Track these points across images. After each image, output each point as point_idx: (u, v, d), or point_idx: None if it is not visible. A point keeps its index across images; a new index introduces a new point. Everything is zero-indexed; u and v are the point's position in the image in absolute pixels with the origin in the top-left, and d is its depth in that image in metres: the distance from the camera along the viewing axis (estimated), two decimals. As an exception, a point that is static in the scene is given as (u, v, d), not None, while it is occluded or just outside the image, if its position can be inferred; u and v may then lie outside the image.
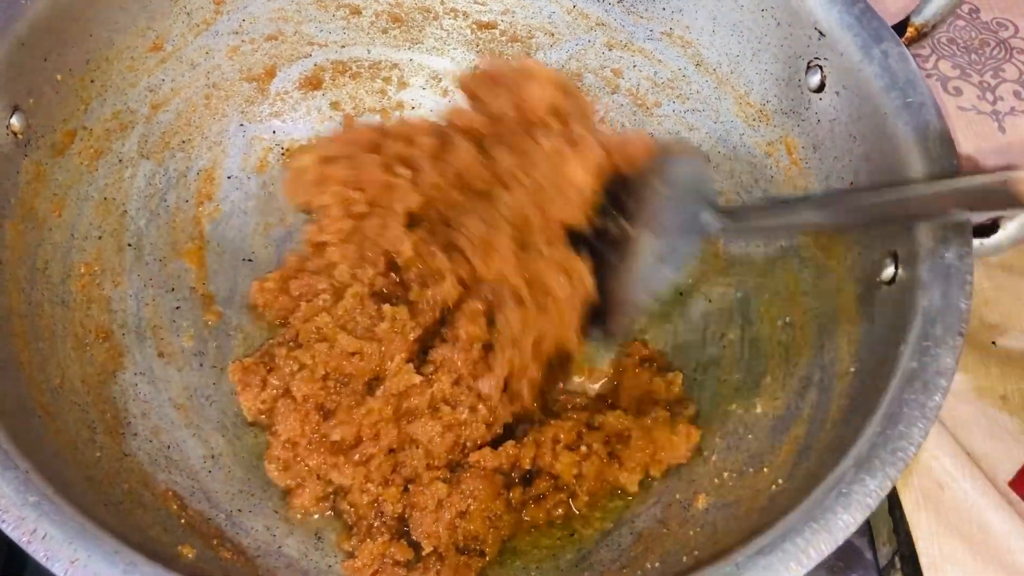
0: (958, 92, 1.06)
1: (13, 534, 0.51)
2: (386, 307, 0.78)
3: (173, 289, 0.83)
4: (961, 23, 1.13)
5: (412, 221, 0.83)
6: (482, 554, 0.72)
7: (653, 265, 0.73)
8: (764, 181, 0.85)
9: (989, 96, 1.05)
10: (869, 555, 0.80)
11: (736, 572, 0.53)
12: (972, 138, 1.02)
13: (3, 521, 0.52)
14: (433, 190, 0.82)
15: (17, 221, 0.72)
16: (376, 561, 0.70)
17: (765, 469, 0.69)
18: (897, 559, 0.78)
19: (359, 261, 0.82)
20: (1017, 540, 0.75)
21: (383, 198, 0.83)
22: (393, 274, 0.83)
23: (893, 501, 0.79)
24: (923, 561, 0.74)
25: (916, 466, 0.78)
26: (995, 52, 1.10)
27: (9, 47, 0.71)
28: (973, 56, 1.10)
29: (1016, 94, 1.06)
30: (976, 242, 0.65)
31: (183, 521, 0.68)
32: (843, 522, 0.54)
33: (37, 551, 0.51)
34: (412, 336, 0.77)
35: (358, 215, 0.83)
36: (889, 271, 0.68)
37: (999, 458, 0.80)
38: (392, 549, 0.70)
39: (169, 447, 0.74)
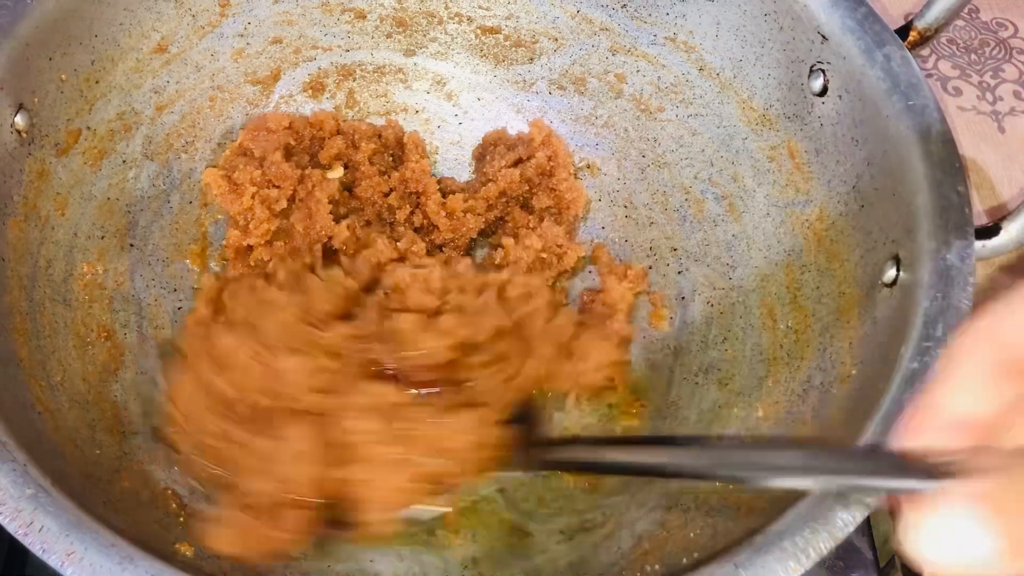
0: (958, 92, 1.06)
1: (10, 526, 0.51)
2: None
3: (176, 289, 0.84)
4: (961, 23, 1.13)
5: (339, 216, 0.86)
6: None
7: None
8: (767, 185, 0.84)
9: (989, 96, 1.05)
10: (870, 555, 0.80)
11: (735, 571, 0.52)
12: (972, 138, 1.01)
13: (0, 514, 0.52)
14: (369, 190, 0.87)
15: (20, 219, 0.72)
16: None
17: (766, 471, 0.68)
18: (897, 559, 0.78)
19: (289, 256, 0.83)
20: None
21: (301, 190, 0.84)
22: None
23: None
24: None
25: None
26: (995, 52, 1.10)
27: (15, 46, 0.71)
28: (973, 56, 1.09)
29: (1016, 94, 1.06)
30: (978, 244, 0.65)
31: (182, 520, 0.68)
32: (842, 521, 0.54)
33: (34, 543, 0.51)
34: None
35: (282, 212, 0.84)
36: (891, 273, 0.68)
37: None
38: None
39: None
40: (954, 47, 1.10)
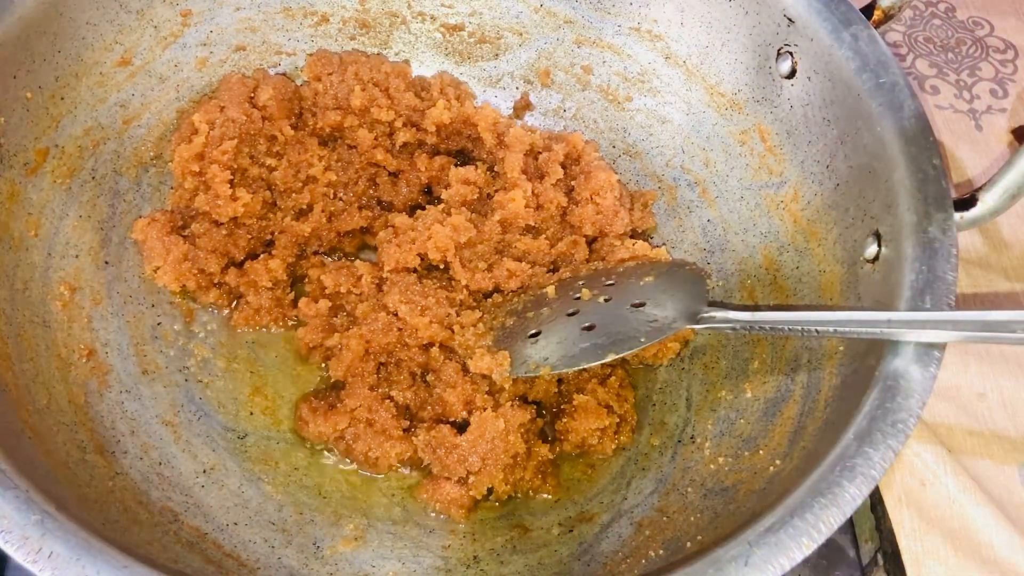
0: (935, 91, 1.08)
1: (18, 555, 0.50)
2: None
3: (153, 305, 0.82)
4: (937, 22, 1.15)
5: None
6: None
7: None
8: (739, 169, 0.85)
9: (966, 95, 1.07)
10: (852, 553, 0.81)
11: (749, 551, 0.53)
12: (949, 136, 1.03)
13: (7, 541, 0.50)
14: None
15: (-6, 242, 0.71)
16: None
17: (761, 451, 0.69)
18: (880, 556, 0.79)
19: None
20: (997, 535, 0.75)
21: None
22: None
23: (875, 498, 0.79)
24: (905, 558, 0.75)
25: (898, 464, 0.79)
26: (971, 51, 1.12)
27: (-22, 66, 0.70)
28: (950, 55, 1.11)
29: (993, 92, 1.08)
30: (956, 215, 0.66)
31: (180, 537, 0.67)
32: (850, 495, 0.54)
33: (44, 570, 0.50)
34: None
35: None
36: (872, 249, 0.69)
37: (978, 453, 0.81)
38: None
39: (160, 464, 0.73)
40: (931, 46, 1.12)
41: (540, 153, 0.88)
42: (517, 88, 0.96)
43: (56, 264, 0.77)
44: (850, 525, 0.82)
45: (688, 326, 0.72)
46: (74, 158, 0.79)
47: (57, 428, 0.67)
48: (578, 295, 0.77)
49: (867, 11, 0.79)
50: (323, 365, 0.83)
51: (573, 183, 0.87)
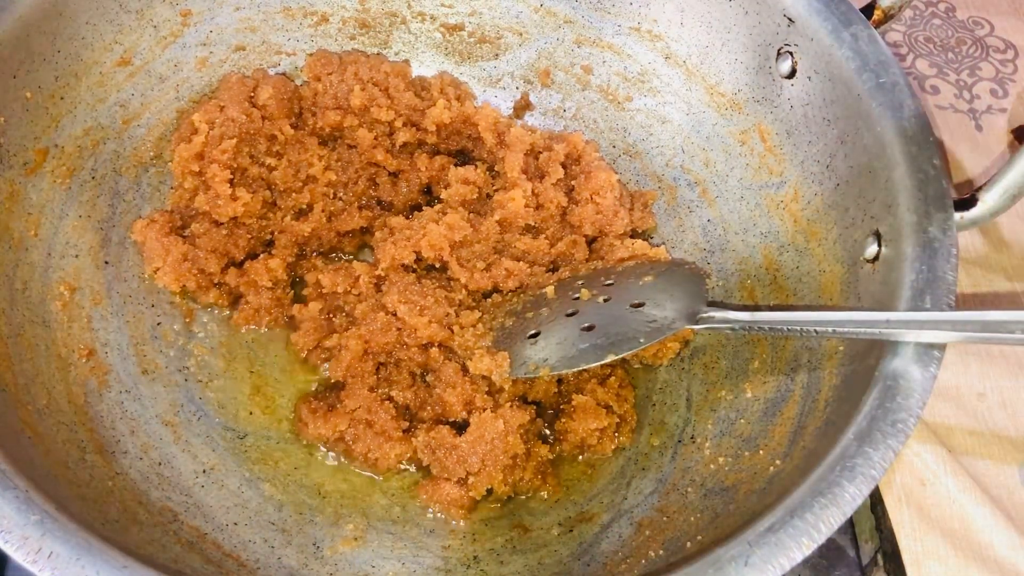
0: (935, 91, 1.07)
1: (17, 555, 0.50)
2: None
3: (153, 305, 0.82)
4: (937, 22, 1.14)
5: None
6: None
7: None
8: (739, 169, 0.85)
9: (966, 95, 1.07)
10: (852, 553, 0.81)
11: (749, 551, 0.53)
12: (949, 136, 1.03)
13: (7, 541, 0.50)
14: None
15: (-7, 242, 0.71)
16: None
17: (761, 451, 0.69)
18: (880, 556, 0.79)
19: None
20: (997, 535, 0.75)
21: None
22: None
23: (875, 498, 0.79)
24: (905, 558, 0.75)
25: (898, 463, 0.79)
26: (971, 51, 1.12)
27: (-22, 66, 0.70)
28: (950, 55, 1.11)
29: (993, 92, 1.07)
30: (956, 215, 0.66)
31: (180, 537, 0.67)
32: (850, 495, 0.54)
33: (44, 570, 0.50)
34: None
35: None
36: (872, 249, 0.69)
37: (978, 453, 0.81)
38: None
39: (160, 464, 0.73)
40: (931, 45, 1.12)
41: (540, 153, 0.88)
42: (517, 88, 0.97)
43: (56, 264, 0.77)
44: (850, 525, 0.82)
45: (687, 326, 0.72)
46: (74, 158, 0.79)
47: (57, 428, 0.67)
48: (577, 295, 0.77)
49: (867, 11, 0.79)
50: (323, 366, 0.83)
51: (573, 183, 0.87)
